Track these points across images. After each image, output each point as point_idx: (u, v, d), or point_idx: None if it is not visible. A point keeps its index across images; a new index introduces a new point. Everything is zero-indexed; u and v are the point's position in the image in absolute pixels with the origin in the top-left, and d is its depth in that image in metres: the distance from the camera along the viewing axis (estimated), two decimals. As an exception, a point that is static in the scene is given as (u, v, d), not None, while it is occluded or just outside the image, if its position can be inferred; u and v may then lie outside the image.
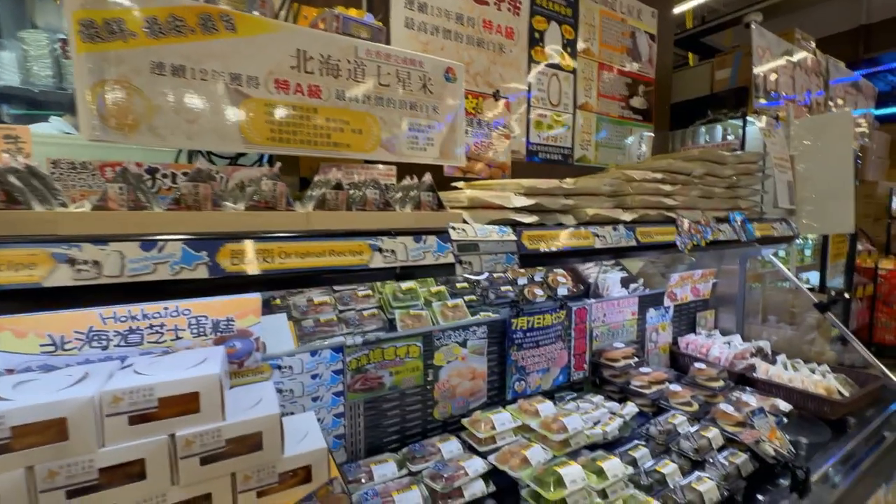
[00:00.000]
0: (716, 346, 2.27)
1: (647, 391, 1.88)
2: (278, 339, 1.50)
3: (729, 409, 1.69)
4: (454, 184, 1.44)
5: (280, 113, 0.96)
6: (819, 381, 1.98)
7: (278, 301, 1.72)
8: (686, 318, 2.56)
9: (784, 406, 1.82)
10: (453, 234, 1.06)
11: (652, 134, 3.19)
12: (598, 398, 1.89)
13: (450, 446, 1.46)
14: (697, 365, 2.07)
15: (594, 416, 1.71)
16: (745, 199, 2.01)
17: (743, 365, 2.16)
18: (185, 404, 0.89)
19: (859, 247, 4.70)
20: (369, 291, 1.94)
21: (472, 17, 2.22)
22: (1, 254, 0.62)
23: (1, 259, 0.62)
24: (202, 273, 0.74)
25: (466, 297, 2.06)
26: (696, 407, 1.79)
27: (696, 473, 1.42)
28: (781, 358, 2.21)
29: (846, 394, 1.92)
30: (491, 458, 1.42)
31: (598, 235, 1.36)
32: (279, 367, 1.30)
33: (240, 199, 0.87)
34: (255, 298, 1.19)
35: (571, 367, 2.02)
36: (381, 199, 0.99)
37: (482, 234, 1.12)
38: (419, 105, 1.15)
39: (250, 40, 0.92)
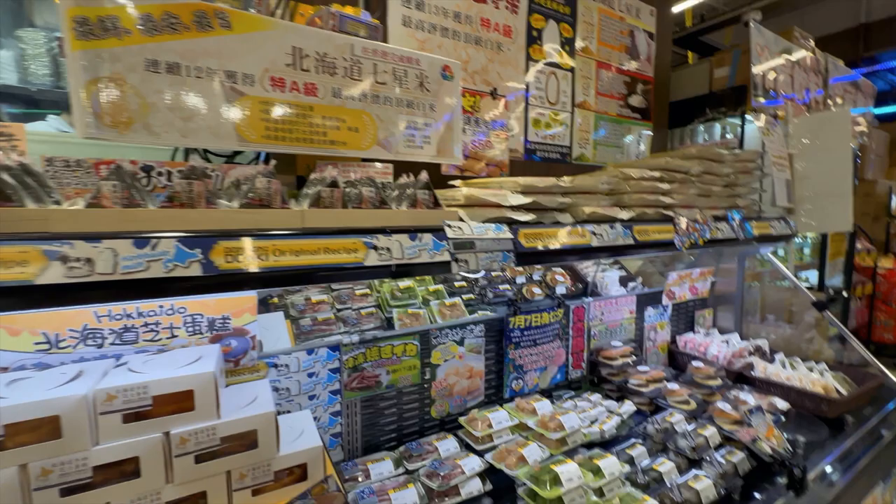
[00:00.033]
0: (714, 345, 2.27)
1: (644, 389, 1.88)
2: (275, 337, 1.50)
3: (726, 407, 1.69)
4: (451, 182, 1.44)
5: (276, 111, 0.95)
6: (817, 379, 1.98)
7: (276, 299, 1.72)
8: (684, 317, 2.56)
9: (782, 404, 1.81)
10: (449, 232, 1.06)
11: (650, 132, 3.19)
12: (596, 396, 1.89)
13: (447, 444, 1.46)
14: (695, 363, 2.07)
15: (591, 414, 1.71)
16: (743, 198, 2.01)
17: (741, 363, 2.16)
18: (179, 402, 0.89)
19: (858, 245, 4.70)
20: (367, 290, 1.94)
21: (469, 15, 2.22)
22: (-8, 251, 0.62)
23: (-8, 256, 0.62)
24: (196, 270, 0.74)
25: (464, 296, 2.06)
26: (693, 405, 1.79)
27: (693, 472, 1.43)
28: (779, 356, 2.21)
29: (844, 392, 1.92)
30: (488, 456, 1.42)
31: (595, 234, 1.36)
32: (275, 366, 1.30)
33: (235, 196, 0.87)
34: (251, 297, 1.19)
35: (569, 366, 2.02)
36: (376, 196, 0.99)
37: (478, 231, 1.12)
38: (416, 103, 1.14)
39: (246, 38, 0.91)
